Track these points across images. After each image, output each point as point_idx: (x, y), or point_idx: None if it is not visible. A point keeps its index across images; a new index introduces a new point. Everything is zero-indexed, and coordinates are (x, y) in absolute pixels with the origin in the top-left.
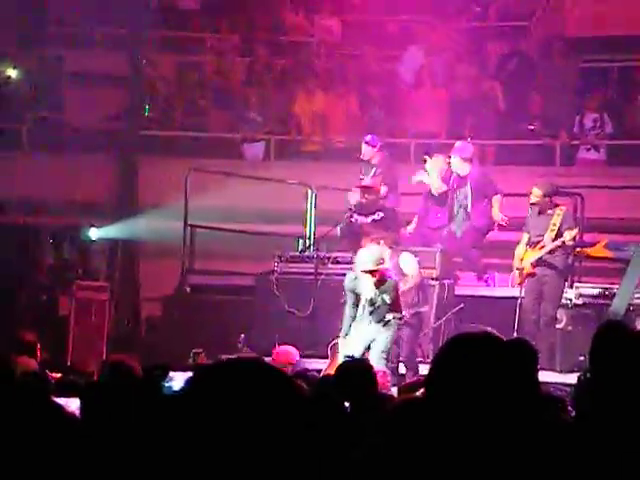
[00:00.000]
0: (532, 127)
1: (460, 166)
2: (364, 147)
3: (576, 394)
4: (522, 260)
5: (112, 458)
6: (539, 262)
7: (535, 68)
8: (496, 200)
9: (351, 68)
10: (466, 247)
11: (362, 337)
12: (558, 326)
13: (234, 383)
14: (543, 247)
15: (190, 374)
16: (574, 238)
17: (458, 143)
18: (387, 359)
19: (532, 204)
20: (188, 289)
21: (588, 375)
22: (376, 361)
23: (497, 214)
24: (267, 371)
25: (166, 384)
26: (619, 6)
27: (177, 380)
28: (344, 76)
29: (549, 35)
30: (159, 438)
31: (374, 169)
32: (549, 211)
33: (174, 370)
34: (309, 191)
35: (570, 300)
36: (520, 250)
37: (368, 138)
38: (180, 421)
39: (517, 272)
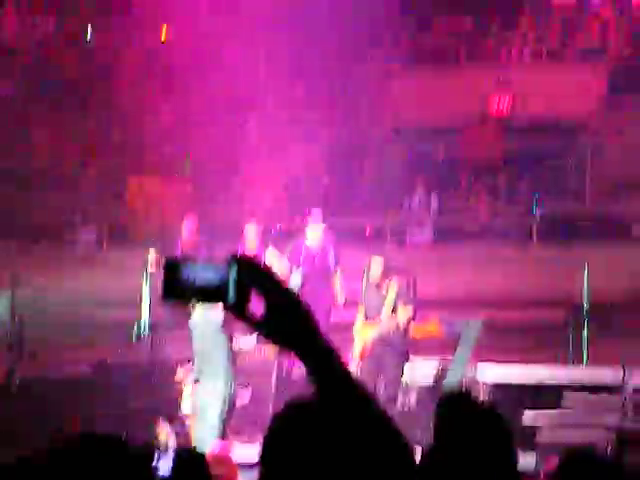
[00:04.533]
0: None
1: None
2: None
3: (419, 468)
4: (360, 335)
5: None
6: (376, 340)
7: (363, 155)
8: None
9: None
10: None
11: None
12: (397, 407)
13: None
14: (379, 323)
15: None
16: (409, 314)
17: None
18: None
19: (367, 279)
20: (17, 381)
21: (431, 448)
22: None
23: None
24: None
25: None
26: (440, 100)
27: None
28: (177, 159)
29: (377, 124)
30: None
31: None
32: (383, 287)
33: None
34: (144, 274)
35: (407, 379)
36: (358, 325)
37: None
38: None
39: (357, 348)
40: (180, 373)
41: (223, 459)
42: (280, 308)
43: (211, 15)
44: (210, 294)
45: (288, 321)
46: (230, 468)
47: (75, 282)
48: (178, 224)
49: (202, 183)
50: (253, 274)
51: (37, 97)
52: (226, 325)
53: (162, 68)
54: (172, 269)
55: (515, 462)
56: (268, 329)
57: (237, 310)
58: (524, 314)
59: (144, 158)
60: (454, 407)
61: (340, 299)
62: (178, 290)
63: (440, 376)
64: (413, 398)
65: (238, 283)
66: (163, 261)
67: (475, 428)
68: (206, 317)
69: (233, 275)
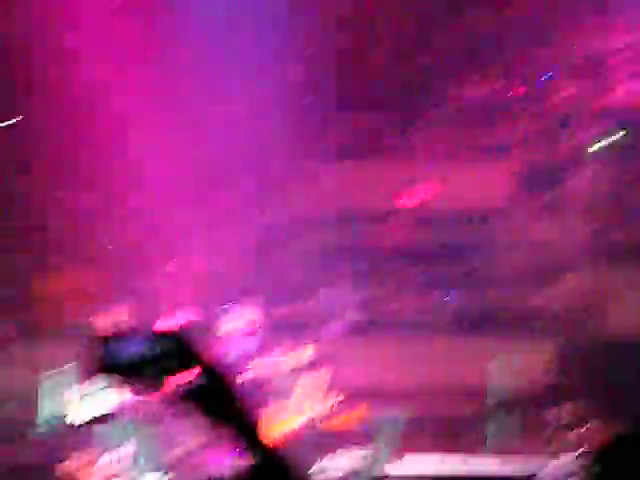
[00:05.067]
0: None
1: None
2: None
3: None
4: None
5: None
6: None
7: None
8: None
9: None
10: None
11: None
12: None
13: None
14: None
15: None
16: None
17: None
18: None
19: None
20: None
21: None
22: None
23: None
24: None
25: None
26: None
27: None
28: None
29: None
30: None
31: None
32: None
33: None
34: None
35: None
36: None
37: None
38: None
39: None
40: None
41: None
42: (210, 380)
43: None
44: (136, 367)
45: (216, 392)
46: None
47: None
48: None
49: None
50: (179, 349)
51: None
52: None
53: None
54: (101, 345)
55: None
56: (197, 398)
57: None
58: (437, 406)
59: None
60: None
61: None
62: (107, 366)
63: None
64: None
65: (163, 355)
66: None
67: None
68: None
69: (157, 350)
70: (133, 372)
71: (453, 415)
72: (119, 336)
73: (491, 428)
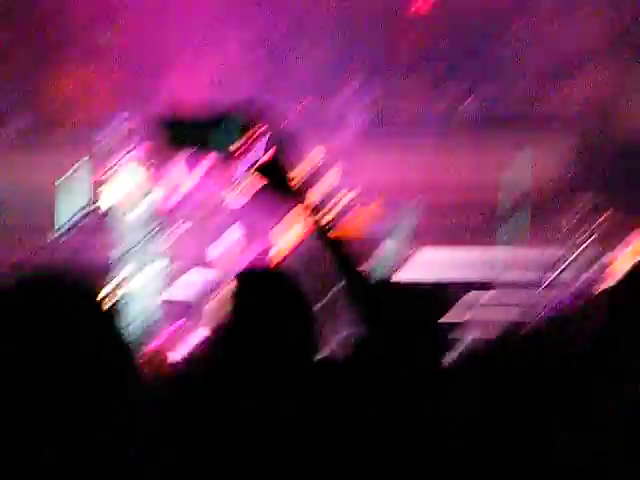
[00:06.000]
0: None
1: None
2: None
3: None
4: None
5: None
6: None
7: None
8: None
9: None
10: None
11: None
12: None
13: None
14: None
15: None
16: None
17: None
18: None
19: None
20: None
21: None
22: None
23: None
24: None
25: None
26: None
27: None
28: (103, 48)
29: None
30: None
31: None
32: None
33: None
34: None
35: None
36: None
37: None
38: None
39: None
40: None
41: None
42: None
43: None
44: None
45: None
46: None
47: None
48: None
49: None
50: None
51: None
52: None
53: None
54: (170, 123)
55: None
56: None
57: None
58: (457, 197)
59: (69, 46)
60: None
61: None
62: (179, 136)
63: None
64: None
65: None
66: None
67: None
68: None
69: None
70: (199, 139)
71: (468, 209)
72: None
73: (506, 222)
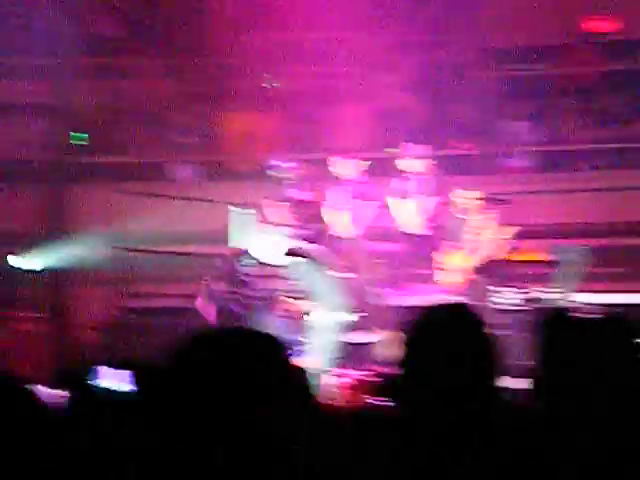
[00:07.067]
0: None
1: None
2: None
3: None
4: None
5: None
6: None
7: (455, 78)
8: None
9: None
10: None
11: None
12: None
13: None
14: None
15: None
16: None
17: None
18: None
19: (460, 209)
20: (130, 314)
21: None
22: None
23: None
24: None
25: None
26: (537, 17)
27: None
28: (269, 94)
29: (467, 46)
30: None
31: None
32: (477, 216)
33: None
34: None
35: (511, 304)
36: (451, 256)
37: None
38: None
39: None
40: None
41: None
42: None
43: None
44: None
45: None
46: None
47: (172, 219)
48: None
49: (294, 117)
50: None
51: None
52: None
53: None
54: None
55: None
56: None
57: None
58: (617, 242)
59: (236, 94)
60: (560, 323)
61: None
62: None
63: (537, 303)
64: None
65: None
66: None
67: (591, 341)
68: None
69: None
70: None
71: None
72: None
73: None
